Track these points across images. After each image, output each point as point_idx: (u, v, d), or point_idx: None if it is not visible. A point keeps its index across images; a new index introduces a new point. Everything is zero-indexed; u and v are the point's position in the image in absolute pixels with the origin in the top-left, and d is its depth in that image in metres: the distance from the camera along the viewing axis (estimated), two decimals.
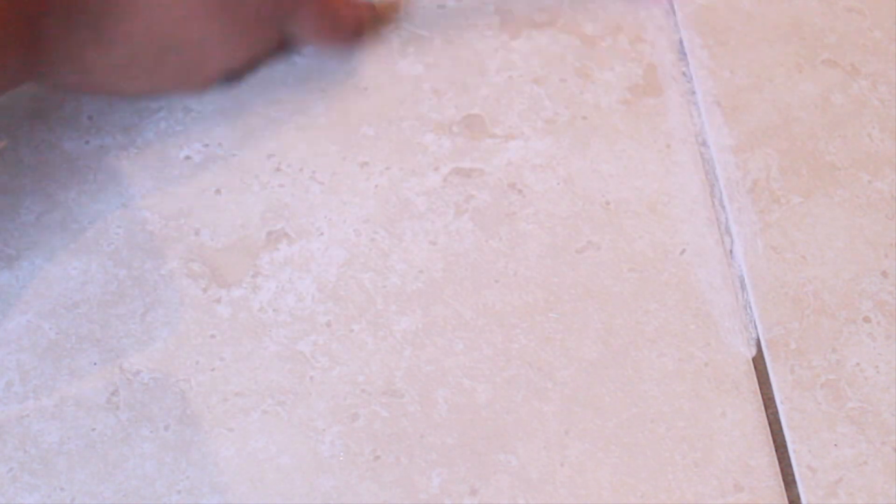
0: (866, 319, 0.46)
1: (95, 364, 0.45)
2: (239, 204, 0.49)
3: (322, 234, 0.48)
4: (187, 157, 0.50)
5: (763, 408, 0.44)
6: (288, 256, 0.48)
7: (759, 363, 0.46)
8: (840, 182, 0.50)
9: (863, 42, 0.54)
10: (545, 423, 0.44)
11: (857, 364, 0.45)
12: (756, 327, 0.46)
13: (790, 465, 0.43)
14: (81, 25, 0.43)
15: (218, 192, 0.49)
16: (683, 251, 0.48)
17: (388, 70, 0.53)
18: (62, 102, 0.52)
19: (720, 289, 0.47)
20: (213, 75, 0.49)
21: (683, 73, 0.54)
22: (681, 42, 0.55)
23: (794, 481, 0.43)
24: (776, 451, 0.44)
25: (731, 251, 0.49)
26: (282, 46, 0.51)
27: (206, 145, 0.51)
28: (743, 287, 0.47)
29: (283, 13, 0.48)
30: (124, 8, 0.43)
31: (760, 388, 0.45)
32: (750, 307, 0.47)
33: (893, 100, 0.53)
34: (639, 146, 0.51)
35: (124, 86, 0.47)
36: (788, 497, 0.43)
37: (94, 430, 0.43)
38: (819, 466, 0.43)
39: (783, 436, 0.44)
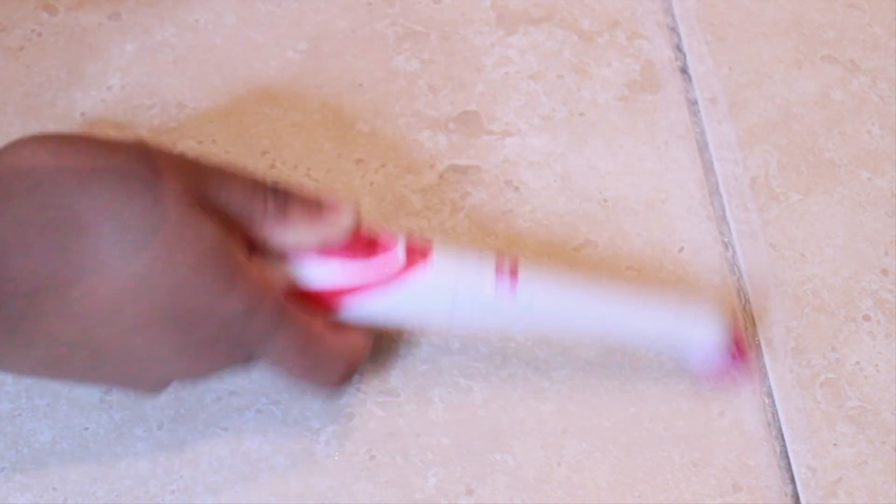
0: (866, 318, 0.47)
1: None
2: None
3: None
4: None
5: (762, 407, 0.45)
6: None
7: (757, 362, 0.46)
8: (839, 179, 0.51)
9: (862, 38, 0.55)
10: (542, 422, 0.44)
11: (857, 363, 0.46)
12: (755, 326, 0.47)
13: (789, 465, 0.43)
14: None
15: None
16: (681, 249, 0.49)
17: (383, 66, 0.54)
18: (54, 99, 0.52)
19: (718, 287, 0.48)
20: (160, 386, 0.40)
21: (682, 70, 0.54)
22: (679, 38, 0.55)
23: (793, 481, 0.43)
24: (775, 450, 0.44)
25: (729, 249, 0.49)
26: (250, 361, 0.41)
27: (200, 142, 0.51)
28: (741, 286, 0.48)
29: (252, 340, 0.38)
30: (51, 308, 0.35)
31: (759, 388, 0.45)
32: (749, 305, 0.47)
33: (893, 96, 0.53)
34: (636, 143, 0.52)
35: (55, 376, 0.39)
36: (788, 497, 0.43)
37: (87, 429, 0.43)
38: (818, 466, 0.43)
39: (782, 435, 0.44)
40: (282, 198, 0.39)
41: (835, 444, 0.44)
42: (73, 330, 0.36)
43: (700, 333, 0.43)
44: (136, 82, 0.53)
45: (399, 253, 0.40)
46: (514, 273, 0.41)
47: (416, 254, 0.40)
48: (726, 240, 0.49)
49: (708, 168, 0.51)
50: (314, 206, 0.40)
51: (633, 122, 0.53)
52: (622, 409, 0.44)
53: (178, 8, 0.56)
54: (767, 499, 0.43)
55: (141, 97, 0.53)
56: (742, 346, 0.44)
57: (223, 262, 0.36)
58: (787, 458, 0.44)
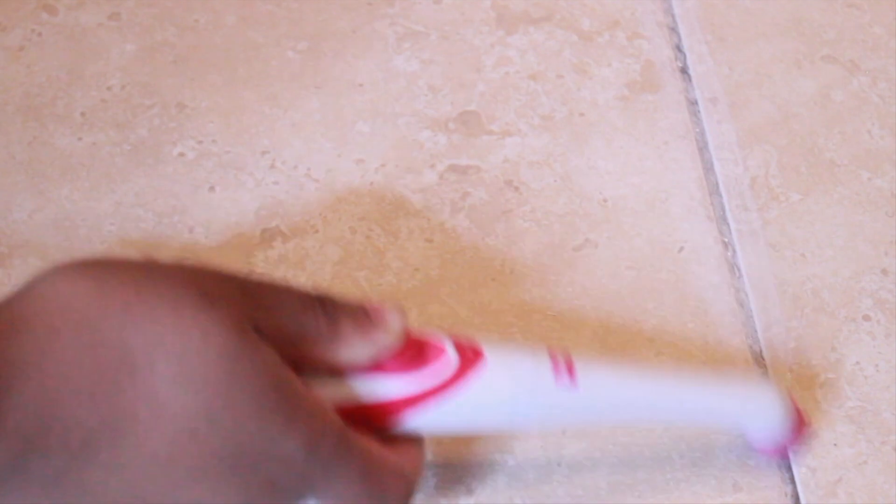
0: (866, 318, 0.47)
1: None
2: (233, 201, 0.50)
3: (317, 231, 0.49)
4: (181, 154, 0.51)
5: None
6: (282, 254, 0.48)
7: (757, 362, 0.46)
8: (839, 179, 0.51)
9: (862, 38, 0.55)
10: None
11: (857, 363, 0.46)
12: (755, 326, 0.47)
13: (789, 465, 0.43)
14: (33, 478, 0.32)
15: (212, 189, 0.50)
16: (681, 249, 0.49)
17: (383, 66, 0.54)
18: (54, 99, 0.52)
19: (718, 287, 0.48)
20: None
21: (682, 69, 0.55)
22: (679, 38, 0.55)
23: (793, 481, 0.43)
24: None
25: (729, 249, 0.49)
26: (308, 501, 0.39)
27: (200, 142, 0.52)
28: (741, 285, 0.48)
29: (314, 477, 0.36)
30: (100, 461, 0.32)
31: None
32: (749, 305, 0.47)
33: (893, 96, 0.54)
34: (636, 143, 0.52)
35: None
36: (788, 497, 0.43)
37: None
38: (818, 466, 0.43)
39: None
40: (331, 313, 0.37)
41: (835, 444, 0.44)
42: (122, 486, 0.32)
43: (763, 413, 0.42)
44: (136, 82, 0.54)
45: (451, 355, 0.38)
46: (569, 365, 0.39)
47: (469, 354, 0.38)
48: (726, 240, 0.49)
49: (708, 168, 0.51)
50: (363, 316, 0.38)
51: (633, 121, 0.53)
52: None
53: (177, 8, 0.56)
54: (768, 499, 0.43)
55: (141, 97, 0.53)
56: (802, 421, 0.43)
57: (282, 396, 0.34)
58: (787, 457, 0.44)
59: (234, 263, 0.48)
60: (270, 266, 0.48)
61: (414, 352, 0.38)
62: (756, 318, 0.47)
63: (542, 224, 0.50)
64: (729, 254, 0.49)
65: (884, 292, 0.48)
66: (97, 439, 0.31)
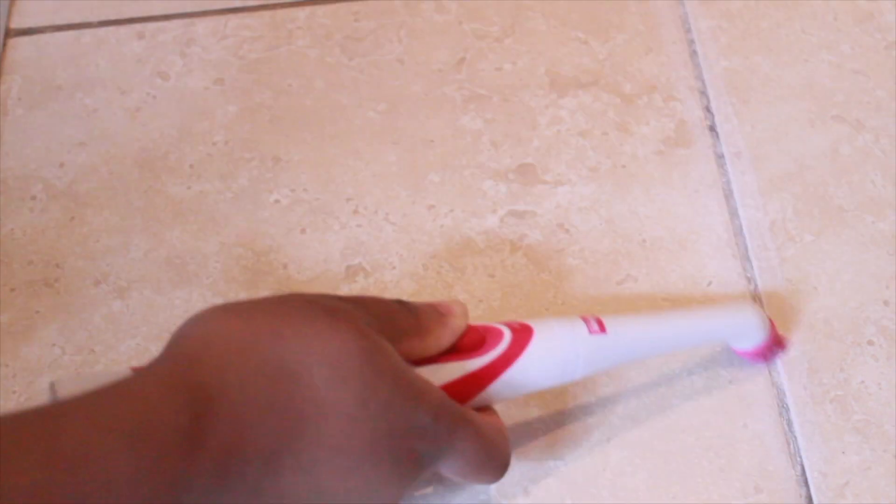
0: (870, 343, 0.48)
1: None
2: (322, 242, 0.52)
3: (394, 268, 0.51)
4: (276, 201, 0.53)
5: (780, 420, 0.46)
6: (364, 287, 0.50)
7: (776, 381, 0.48)
8: (847, 223, 0.52)
9: (867, 100, 0.56)
10: (589, 433, 0.46)
11: (862, 382, 0.47)
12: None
13: (803, 470, 0.45)
14: (236, 485, 0.33)
15: (303, 231, 0.52)
16: (710, 283, 0.50)
17: (451, 124, 0.56)
18: (167, 153, 0.55)
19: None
20: None
21: (710, 128, 0.55)
22: (708, 100, 0.56)
23: (806, 484, 0.45)
24: (791, 457, 0.45)
25: (752, 283, 0.50)
26: (434, 474, 0.40)
27: (293, 190, 0.53)
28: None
29: (438, 451, 0.37)
30: (287, 465, 0.33)
31: (777, 403, 0.47)
32: None
33: (894, 151, 0.54)
34: (671, 191, 0.53)
35: None
36: (802, 498, 0.44)
37: None
38: (829, 471, 0.45)
39: (797, 444, 0.46)
40: (413, 311, 0.40)
41: (843, 452, 0.45)
42: (307, 482, 0.34)
43: (749, 327, 0.46)
44: (237, 138, 0.55)
45: (507, 334, 0.42)
46: (599, 321, 0.43)
47: (521, 330, 0.42)
48: (749, 275, 0.50)
49: (733, 213, 0.52)
50: (436, 308, 0.41)
51: (668, 173, 0.54)
52: (658, 422, 0.46)
53: (273, 74, 0.58)
54: (784, 499, 0.44)
55: (242, 151, 0.55)
56: (779, 336, 0.48)
57: (408, 378, 0.36)
58: (802, 464, 0.45)
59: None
60: None
61: (478, 336, 0.42)
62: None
63: (590, 261, 0.51)
64: (751, 287, 0.50)
65: (886, 321, 0.49)
66: (283, 443, 0.33)
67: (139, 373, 0.33)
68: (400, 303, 0.40)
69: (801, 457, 0.46)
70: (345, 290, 0.50)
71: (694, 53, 0.58)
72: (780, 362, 0.48)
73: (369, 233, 0.52)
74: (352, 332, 0.35)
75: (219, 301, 0.50)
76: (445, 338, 0.40)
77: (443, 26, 0.59)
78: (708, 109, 0.56)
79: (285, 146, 0.55)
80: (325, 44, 0.59)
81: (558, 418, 0.47)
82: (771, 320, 0.48)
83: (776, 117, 0.56)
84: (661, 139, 0.55)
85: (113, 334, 0.49)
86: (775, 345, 0.48)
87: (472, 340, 0.41)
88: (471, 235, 0.52)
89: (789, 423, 0.47)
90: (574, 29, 0.59)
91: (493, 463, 0.40)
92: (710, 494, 0.45)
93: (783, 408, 0.47)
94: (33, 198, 0.54)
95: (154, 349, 0.48)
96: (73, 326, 0.50)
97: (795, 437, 0.46)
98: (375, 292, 0.50)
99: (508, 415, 0.45)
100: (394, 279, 0.51)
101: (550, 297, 0.50)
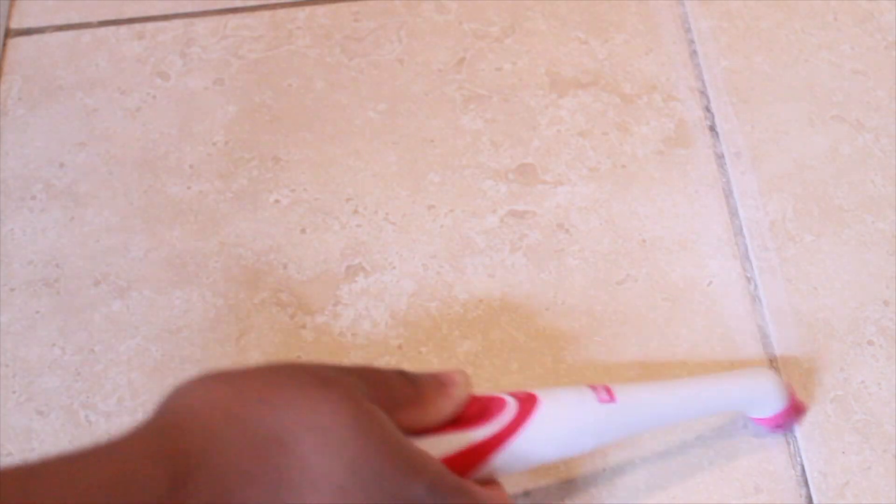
0: (870, 343, 0.49)
1: None
2: (321, 241, 0.52)
3: (394, 268, 0.51)
4: (276, 201, 0.54)
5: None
6: (364, 287, 0.51)
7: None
8: (847, 223, 0.52)
9: (867, 100, 0.56)
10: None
11: (862, 382, 0.48)
12: (774, 350, 0.49)
13: (803, 470, 0.46)
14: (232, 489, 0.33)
15: (303, 231, 0.53)
16: (710, 283, 0.51)
17: (451, 124, 0.56)
18: (167, 153, 0.55)
19: (742, 316, 0.50)
20: None
21: (710, 128, 0.56)
22: (708, 100, 0.57)
23: (807, 484, 0.45)
24: (791, 457, 0.46)
25: (751, 283, 0.51)
26: None
27: (293, 190, 0.54)
28: (762, 315, 0.50)
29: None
30: (280, 483, 0.34)
31: None
32: (768, 332, 0.49)
33: (894, 151, 0.54)
34: (671, 191, 0.53)
35: None
36: (802, 497, 0.45)
37: None
38: (829, 471, 0.46)
39: (797, 444, 0.46)
40: (414, 381, 0.39)
41: (843, 452, 0.46)
42: None
43: (766, 395, 0.45)
44: (237, 139, 0.56)
45: (512, 403, 0.41)
46: (608, 389, 0.42)
47: (525, 399, 0.41)
48: (749, 275, 0.51)
49: (733, 213, 0.53)
50: (437, 380, 0.40)
51: (667, 173, 0.54)
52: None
53: (273, 74, 0.58)
54: (785, 499, 0.45)
55: (241, 151, 0.55)
56: (798, 404, 0.47)
57: (402, 449, 0.36)
58: (802, 463, 0.46)
59: (322, 295, 0.50)
60: (354, 297, 0.50)
61: (481, 406, 0.40)
62: (775, 343, 0.49)
63: (590, 261, 0.51)
64: (751, 287, 0.51)
65: (885, 321, 0.49)
66: None
67: (123, 437, 0.33)
68: (400, 372, 0.40)
69: (800, 457, 0.46)
70: (344, 289, 0.51)
71: (694, 53, 0.59)
72: (779, 361, 0.49)
73: (369, 233, 0.53)
74: (344, 401, 0.35)
75: (220, 302, 0.51)
76: (447, 408, 0.40)
77: (443, 26, 0.60)
78: (708, 109, 0.57)
79: (285, 146, 0.56)
80: (325, 44, 0.60)
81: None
82: (790, 386, 0.47)
83: (776, 117, 0.56)
84: (660, 139, 0.56)
85: (113, 334, 0.50)
86: (794, 412, 0.47)
87: (474, 410, 0.41)
88: (471, 235, 0.53)
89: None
90: (574, 29, 0.60)
91: None
92: (711, 494, 0.45)
93: None
94: (33, 198, 0.55)
95: (154, 349, 0.49)
96: (72, 326, 0.50)
97: (795, 437, 0.47)
98: (375, 292, 0.51)
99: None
100: (394, 279, 0.51)
101: (550, 298, 0.51)
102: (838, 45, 0.59)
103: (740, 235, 0.52)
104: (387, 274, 0.52)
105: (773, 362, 0.49)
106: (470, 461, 0.40)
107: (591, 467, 0.46)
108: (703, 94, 0.57)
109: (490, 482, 0.40)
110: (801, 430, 0.47)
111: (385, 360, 0.49)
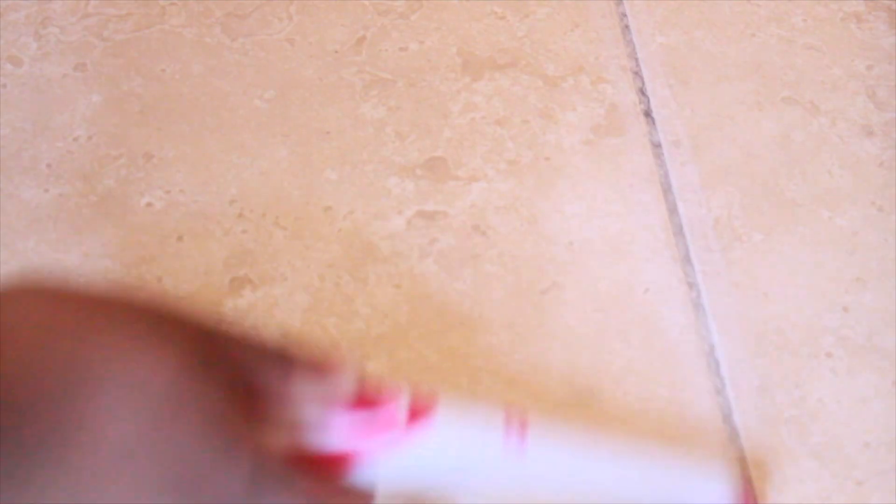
0: (828, 355, 0.48)
1: None
2: (202, 251, 0.51)
3: (286, 279, 0.50)
4: (149, 204, 0.52)
5: (729, 447, 0.46)
6: (252, 302, 0.50)
7: (722, 402, 0.47)
8: (801, 219, 0.52)
9: (822, 79, 0.57)
10: None
11: (820, 399, 0.47)
12: (720, 364, 0.48)
13: (755, 502, 0.44)
14: None
15: (180, 238, 0.51)
16: (647, 290, 0.50)
17: (350, 113, 0.56)
18: (20, 151, 0.54)
19: (684, 327, 0.49)
20: None
21: (645, 113, 0.56)
22: (642, 81, 0.57)
23: None
24: (743, 487, 0.44)
25: (694, 289, 0.50)
26: None
27: (168, 192, 0.53)
28: (706, 325, 0.49)
29: (259, 499, 0.38)
30: (51, 461, 0.34)
31: (725, 428, 0.46)
32: (713, 344, 0.49)
33: (852, 136, 0.55)
34: (602, 186, 0.53)
35: None
36: None
37: None
38: (785, 502, 0.45)
39: (748, 473, 0.45)
40: (287, 365, 0.39)
41: (800, 481, 0.45)
42: (68, 490, 0.34)
43: (711, 491, 0.43)
44: (102, 132, 0.55)
45: (402, 412, 0.40)
46: (523, 428, 0.40)
47: (420, 411, 0.40)
48: (691, 280, 0.50)
49: (672, 209, 0.53)
50: (316, 370, 0.40)
51: (597, 165, 0.54)
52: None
53: (143, 58, 0.57)
54: None
55: (108, 147, 0.54)
56: (752, 500, 0.45)
57: (224, 431, 0.36)
58: (754, 495, 0.44)
59: (203, 312, 0.49)
60: (240, 314, 0.49)
61: (366, 406, 0.39)
62: (721, 357, 0.48)
63: (510, 268, 0.51)
64: (693, 294, 0.50)
65: (845, 329, 0.49)
66: (51, 441, 0.33)
67: None
68: (276, 357, 0.39)
69: (752, 487, 0.45)
70: (229, 305, 0.50)
71: (626, 28, 0.59)
72: (726, 376, 0.48)
73: (256, 239, 0.52)
74: (168, 364, 0.35)
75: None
76: (310, 414, 0.39)
77: (339, 1, 0.60)
78: (642, 92, 0.57)
79: (158, 141, 0.55)
80: (204, 22, 0.60)
81: None
82: (747, 487, 0.45)
83: (720, 100, 0.57)
84: (589, 127, 0.55)
85: None
86: None
87: (358, 404, 0.39)
88: (374, 240, 0.52)
89: (739, 449, 0.46)
90: (489, 1, 0.60)
91: None
92: None
93: (732, 433, 0.47)
94: None
95: None
96: None
97: (746, 466, 0.46)
98: (264, 307, 0.50)
99: None
100: (285, 292, 0.50)
101: (465, 311, 0.50)
102: (789, 18, 0.60)
103: (680, 235, 0.52)
104: (277, 286, 0.50)
105: (718, 380, 0.48)
106: (330, 465, 0.39)
107: None
108: (637, 74, 0.58)
109: (358, 492, 0.40)
110: (753, 456, 0.46)
111: None
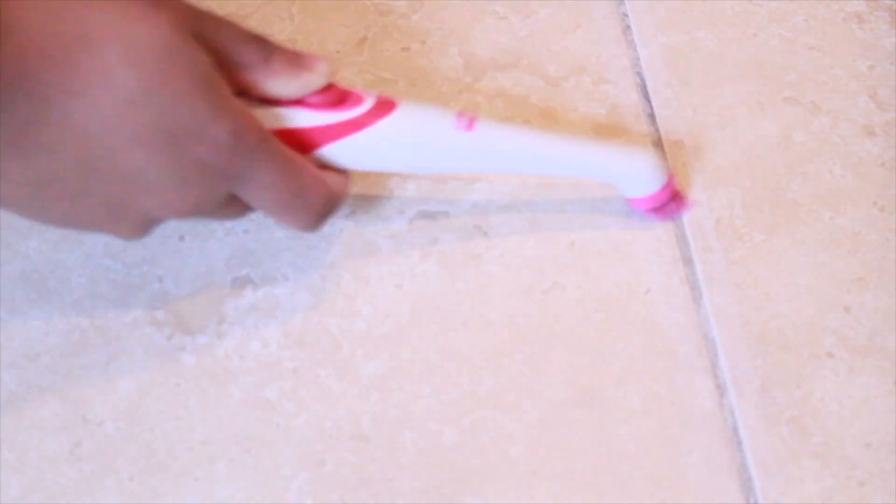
0: (830, 355, 0.49)
1: (58, 415, 0.46)
2: (203, 250, 0.51)
3: (287, 279, 0.50)
4: None
5: (730, 445, 0.46)
6: (253, 303, 0.50)
7: (724, 400, 0.48)
8: (802, 219, 0.52)
9: (823, 79, 0.57)
10: (512, 464, 0.46)
11: (822, 399, 0.47)
12: (721, 365, 0.48)
13: (757, 503, 0.45)
14: (2, 127, 0.38)
15: (182, 238, 0.51)
16: (648, 290, 0.50)
17: None
18: None
19: (685, 327, 0.49)
20: (143, 221, 0.43)
21: (647, 113, 0.56)
22: (644, 81, 0.57)
23: None
24: (744, 488, 0.45)
25: (695, 289, 0.51)
26: (240, 210, 0.45)
27: None
28: (707, 325, 0.49)
29: (235, 172, 0.42)
30: (56, 115, 0.38)
31: (727, 426, 0.47)
32: (715, 345, 0.49)
33: (854, 136, 0.55)
34: (603, 186, 0.52)
35: (44, 207, 0.41)
36: None
37: (56, 482, 0.45)
38: (786, 502, 0.45)
39: (750, 472, 0.46)
40: (267, 49, 0.44)
41: (801, 481, 0.45)
42: (73, 142, 0.39)
43: (639, 168, 0.49)
44: None
45: (367, 101, 0.46)
46: (472, 119, 0.47)
47: (384, 103, 0.46)
48: (692, 280, 0.51)
49: None
50: (295, 58, 0.44)
51: None
52: (591, 450, 0.46)
53: None
54: None
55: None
56: (678, 192, 0.51)
57: (212, 90, 0.40)
58: (756, 495, 0.45)
59: (204, 312, 0.49)
60: (241, 314, 0.49)
61: (336, 96, 0.45)
62: (722, 357, 0.48)
63: (511, 268, 0.51)
64: (695, 294, 0.50)
65: (847, 329, 0.49)
66: (55, 97, 0.38)
67: None
68: (257, 36, 0.44)
69: (754, 487, 0.46)
70: (230, 305, 0.50)
71: (627, 29, 0.59)
72: (728, 379, 0.48)
73: (258, 239, 0.52)
74: (165, 27, 0.39)
75: (85, 322, 0.50)
76: (292, 85, 0.44)
77: (340, 1, 0.60)
78: (644, 92, 0.57)
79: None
80: None
81: (476, 448, 0.47)
82: (671, 172, 0.51)
83: (721, 100, 0.56)
84: (591, 127, 0.55)
85: None
86: (674, 199, 0.51)
87: (327, 98, 0.45)
88: (375, 240, 0.52)
89: (740, 449, 0.47)
90: (491, 1, 0.60)
91: (301, 204, 0.44)
92: None
93: (733, 431, 0.47)
94: None
95: (8, 378, 0.48)
96: None
97: (747, 465, 0.46)
98: (266, 307, 0.50)
99: (418, 444, 0.44)
100: (287, 292, 0.50)
101: (467, 311, 0.50)
102: (791, 18, 0.59)
103: (682, 235, 0.52)
104: (279, 286, 0.50)
105: (719, 380, 0.48)
106: (304, 141, 0.45)
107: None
108: (639, 75, 0.57)
109: (333, 169, 0.46)
110: (754, 456, 0.46)
111: (278, 385, 0.48)
